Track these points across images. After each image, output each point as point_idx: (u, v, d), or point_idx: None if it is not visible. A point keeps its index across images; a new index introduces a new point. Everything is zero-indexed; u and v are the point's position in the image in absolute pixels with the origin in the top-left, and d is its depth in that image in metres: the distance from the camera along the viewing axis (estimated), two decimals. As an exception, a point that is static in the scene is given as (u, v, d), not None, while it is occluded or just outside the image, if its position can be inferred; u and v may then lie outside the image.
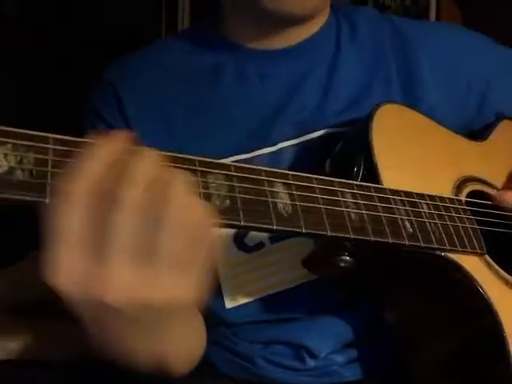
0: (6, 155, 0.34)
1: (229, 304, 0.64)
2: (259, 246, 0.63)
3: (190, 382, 0.63)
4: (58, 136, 0.36)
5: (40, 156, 0.34)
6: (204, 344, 0.63)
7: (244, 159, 0.64)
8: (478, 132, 0.72)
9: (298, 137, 0.66)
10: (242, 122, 0.66)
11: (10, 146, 0.34)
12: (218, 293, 0.64)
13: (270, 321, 0.65)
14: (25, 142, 0.34)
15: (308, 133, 0.65)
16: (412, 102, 0.67)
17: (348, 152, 0.59)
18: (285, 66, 0.68)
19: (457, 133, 0.66)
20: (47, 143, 0.35)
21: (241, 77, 0.68)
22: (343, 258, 0.50)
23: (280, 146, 0.65)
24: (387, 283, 0.55)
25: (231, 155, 0.64)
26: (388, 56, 0.70)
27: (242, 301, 0.64)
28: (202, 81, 0.68)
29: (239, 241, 0.63)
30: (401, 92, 0.68)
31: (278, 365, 0.65)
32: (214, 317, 0.66)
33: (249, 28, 0.68)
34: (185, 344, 0.55)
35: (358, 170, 0.54)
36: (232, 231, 0.63)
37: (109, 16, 1.55)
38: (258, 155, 0.65)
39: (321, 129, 0.65)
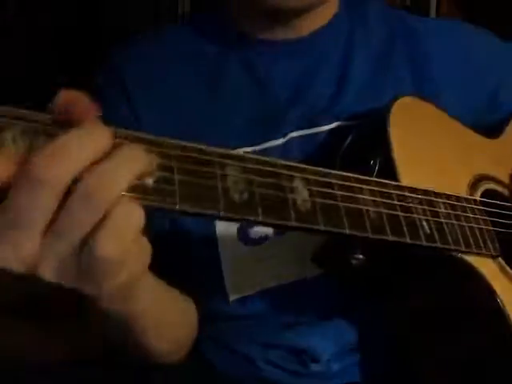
0: (14, 140, 0.31)
1: (232, 296, 0.63)
2: (263, 238, 0.62)
3: (186, 380, 0.63)
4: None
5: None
6: (193, 332, 0.63)
7: (254, 151, 0.62)
8: (490, 128, 0.71)
9: (307, 128, 0.64)
10: (250, 114, 0.64)
11: (19, 129, 0.32)
12: (219, 285, 0.62)
13: (270, 321, 0.64)
14: (34, 125, 0.32)
15: (318, 125, 0.64)
16: (423, 95, 0.66)
17: (363, 145, 0.57)
18: (294, 58, 0.66)
19: (471, 128, 0.65)
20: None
21: (249, 68, 0.66)
22: (356, 256, 0.48)
23: (289, 136, 0.64)
24: (398, 282, 0.54)
25: (240, 147, 0.62)
26: (400, 53, 0.68)
27: (246, 292, 0.62)
28: (209, 70, 0.66)
29: (243, 233, 0.62)
30: (412, 89, 0.67)
31: (280, 368, 0.64)
32: (214, 310, 0.65)
33: (254, 20, 0.65)
34: (162, 316, 0.54)
35: (374, 165, 0.52)
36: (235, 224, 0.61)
37: (109, 16, 1.53)
38: (269, 147, 0.63)
39: (331, 122, 0.64)
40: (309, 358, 0.63)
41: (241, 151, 0.62)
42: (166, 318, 0.57)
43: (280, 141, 0.63)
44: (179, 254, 0.63)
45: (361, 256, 0.48)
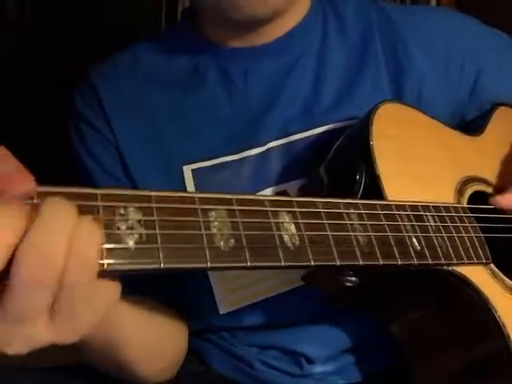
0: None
1: (223, 309, 0.62)
2: None
3: (183, 381, 0.63)
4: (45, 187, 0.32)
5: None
6: (181, 347, 0.63)
7: (232, 160, 0.62)
8: (472, 122, 0.70)
9: (286, 136, 0.63)
10: (228, 123, 0.63)
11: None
12: (210, 299, 0.62)
13: (266, 326, 0.64)
14: None
15: (297, 132, 0.63)
16: (402, 89, 0.65)
17: (346, 159, 0.56)
18: (268, 62, 0.65)
19: (454, 128, 0.64)
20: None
21: (224, 77, 0.64)
22: (348, 278, 0.48)
23: (268, 145, 0.62)
24: (393, 298, 0.53)
25: (218, 156, 0.62)
26: (376, 45, 0.67)
27: (237, 306, 0.62)
28: (185, 83, 0.65)
29: None
30: (391, 81, 0.66)
31: (276, 369, 0.65)
32: (208, 322, 0.65)
33: (224, 28, 0.64)
34: (144, 336, 0.55)
35: (360, 180, 0.51)
36: None
37: (109, 16, 1.51)
38: (247, 156, 0.62)
39: (310, 127, 0.63)
40: (304, 359, 0.64)
41: (220, 161, 0.61)
42: (151, 343, 0.57)
43: (259, 150, 0.62)
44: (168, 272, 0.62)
45: (353, 278, 0.48)
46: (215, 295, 0.62)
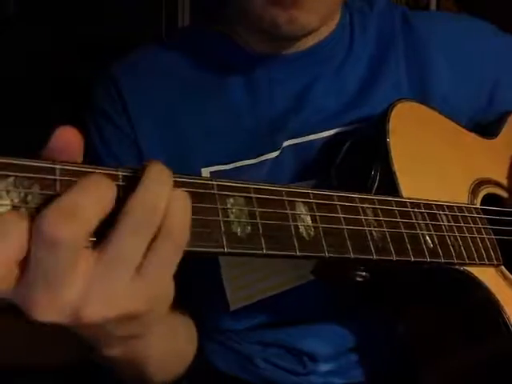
0: (8, 192, 0.30)
1: (233, 305, 0.63)
2: None
3: (184, 378, 0.63)
4: (65, 166, 0.32)
5: (46, 191, 0.31)
6: (194, 349, 0.62)
7: (250, 164, 0.62)
8: (487, 126, 0.70)
9: (300, 136, 0.63)
10: (250, 129, 0.63)
11: (11, 179, 0.30)
12: (220, 295, 0.62)
13: (270, 324, 0.64)
14: (28, 175, 0.30)
15: (311, 133, 0.63)
16: (424, 94, 0.65)
17: (360, 155, 0.56)
18: (295, 71, 0.65)
19: (469, 130, 0.64)
20: (54, 174, 0.31)
21: (249, 82, 0.64)
22: (359, 273, 0.48)
23: (283, 145, 0.63)
24: (402, 296, 0.53)
25: (237, 160, 0.62)
26: (398, 50, 0.67)
27: (247, 302, 0.62)
28: (209, 85, 0.64)
29: None
30: (412, 86, 0.66)
31: (279, 367, 0.65)
32: (217, 321, 0.65)
33: (256, 35, 0.63)
34: (167, 344, 0.54)
35: (375, 177, 0.51)
36: None
37: (109, 16, 1.52)
38: (265, 160, 0.62)
39: (325, 129, 0.63)
40: (307, 358, 0.64)
41: (238, 164, 0.62)
42: (173, 349, 0.56)
43: (275, 153, 0.62)
44: (179, 268, 0.62)
45: (364, 273, 0.48)
46: (226, 291, 0.62)
